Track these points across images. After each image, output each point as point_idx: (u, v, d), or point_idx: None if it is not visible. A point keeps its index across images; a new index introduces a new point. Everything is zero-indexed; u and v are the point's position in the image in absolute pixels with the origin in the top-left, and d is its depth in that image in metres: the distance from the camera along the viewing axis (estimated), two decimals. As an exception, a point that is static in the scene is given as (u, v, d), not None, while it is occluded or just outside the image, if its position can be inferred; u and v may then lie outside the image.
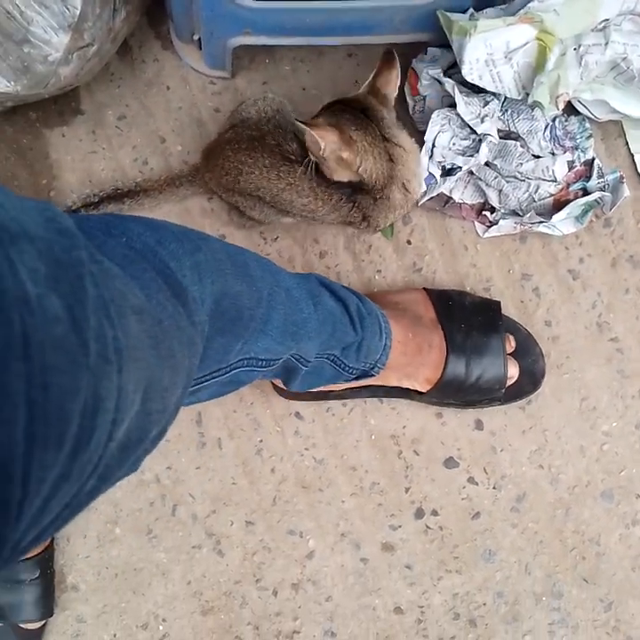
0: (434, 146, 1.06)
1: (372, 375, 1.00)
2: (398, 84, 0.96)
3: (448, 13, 0.98)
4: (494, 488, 1.12)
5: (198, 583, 1.13)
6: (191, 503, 1.13)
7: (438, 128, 1.05)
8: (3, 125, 1.13)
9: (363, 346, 0.95)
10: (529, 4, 0.96)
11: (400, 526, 1.12)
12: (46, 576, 1.09)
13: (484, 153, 1.04)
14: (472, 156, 1.05)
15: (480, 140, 1.04)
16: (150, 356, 0.52)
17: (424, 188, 1.08)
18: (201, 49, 1.11)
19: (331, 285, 0.98)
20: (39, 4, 0.92)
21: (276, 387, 1.11)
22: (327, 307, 0.92)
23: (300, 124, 0.91)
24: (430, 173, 1.08)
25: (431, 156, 1.07)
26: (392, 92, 0.96)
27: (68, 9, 0.94)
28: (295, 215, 1.05)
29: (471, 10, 1.00)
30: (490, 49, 0.95)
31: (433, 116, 1.05)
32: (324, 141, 0.91)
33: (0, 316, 0.35)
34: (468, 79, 0.97)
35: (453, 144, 1.06)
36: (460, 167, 1.06)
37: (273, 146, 1.01)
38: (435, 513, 1.12)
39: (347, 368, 0.97)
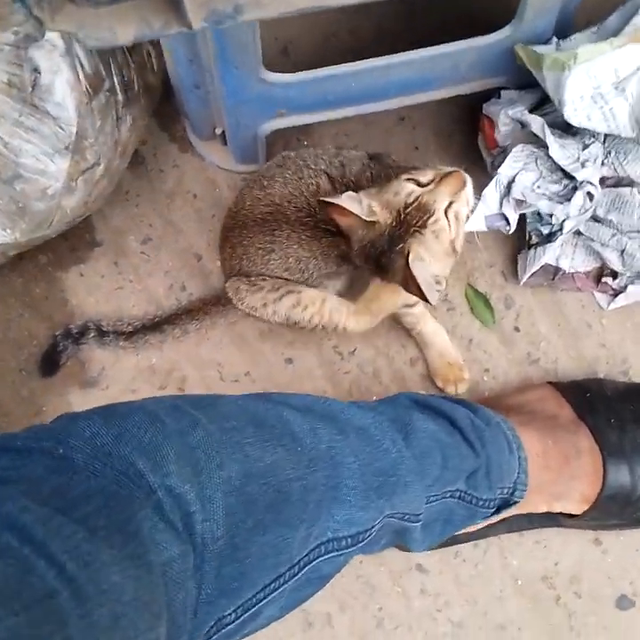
0: (512, 182, 0.85)
1: (516, 502, 0.81)
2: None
3: (530, 47, 0.77)
4: (687, 627, 0.88)
5: None
6: (307, 700, 0.90)
7: (521, 165, 0.84)
8: (10, 276, 0.96)
9: (492, 468, 0.78)
10: (634, 20, 0.75)
11: (576, 694, 0.88)
12: None
13: (577, 203, 0.83)
14: (561, 203, 0.84)
15: (575, 188, 0.83)
16: None
17: (484, 228, 0.87)
18: (226, 144, 0.97)
19: (426, 401, 0.80)
20: (25, 130, 0.74)
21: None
22: (425, 432, 0.74)
23: None
24: (503, 215, 0.86)
25: (507, 195, 0.85)
26: None
27: (61, 128, 0.76)
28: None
29: (554, 38, 0.80)
30: (595, 82, 0.75)
31: (514, 149, 0.84)
32: None
33: None
34: (574, 122, 0.77)
35: (538, 186, 0.84)
36: (561, 230, 0.85)
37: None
38: (617, 670, 0.88)
39: (480, 502, 0.78)
